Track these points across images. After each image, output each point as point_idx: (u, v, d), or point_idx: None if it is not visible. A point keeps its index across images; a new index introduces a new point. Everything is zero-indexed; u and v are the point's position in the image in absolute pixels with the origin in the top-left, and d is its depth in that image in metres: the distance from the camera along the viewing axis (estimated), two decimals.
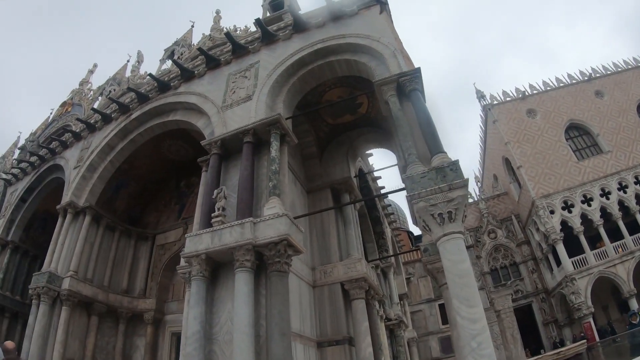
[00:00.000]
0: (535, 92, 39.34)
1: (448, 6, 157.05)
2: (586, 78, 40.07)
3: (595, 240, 31.60)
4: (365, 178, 18.36)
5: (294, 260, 9.86)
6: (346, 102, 13.07)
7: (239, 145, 10.39)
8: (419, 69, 9.41)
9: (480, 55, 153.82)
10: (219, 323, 8.47)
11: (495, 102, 39.00)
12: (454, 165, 7.53)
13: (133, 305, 15.43)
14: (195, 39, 17.76)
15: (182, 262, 9.37)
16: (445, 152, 7.98)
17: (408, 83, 9.20)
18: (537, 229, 33.64)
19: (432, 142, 8.26)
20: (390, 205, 23.68)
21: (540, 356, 10.30)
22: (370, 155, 18.85)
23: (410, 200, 7.45)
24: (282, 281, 8.28)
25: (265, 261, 8.41)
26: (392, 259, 21.80)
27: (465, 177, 7.35)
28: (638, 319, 14.32)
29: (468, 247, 26.65)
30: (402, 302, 23.92)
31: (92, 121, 15.86)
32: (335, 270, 12.17)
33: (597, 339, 24.76)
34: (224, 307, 8.58)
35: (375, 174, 19.96)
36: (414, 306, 31.02)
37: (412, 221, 8.19)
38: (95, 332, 13.93)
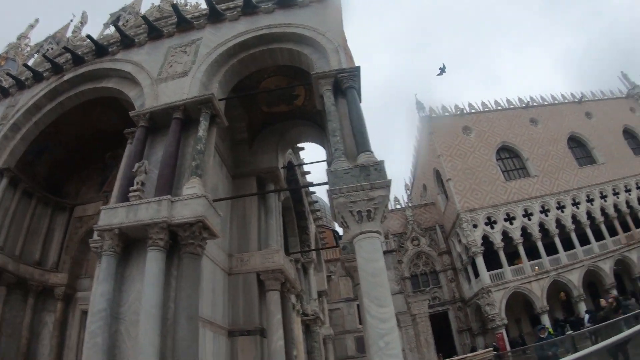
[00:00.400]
0: (473, 111, 40.98)
1: (407, 17, 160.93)
2: (524, 105, 42.28)
3: (513, 257, 33.21)
4: (294, 171, 18.21)
5: (211, 245, 9.64)
6: (283, 91, 12.92)
7: (168, 121, 9.97)
8: (358, 68, 9.41)
9: (428, 68, 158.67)
10: (127, 302, 8.03)
11: (433, 115, 40.16)
12: (379, 166, 7.58)
13: (44, 278, 14.59)
14: (145, 8, 17.06)
15: (96, 235, 8.90)
16: (372, 152, 8.00)
17: (346, 80, 9.18)
18: (459, 241, 34.98)
19: (360, 140, 8.26)
20: (317, 201, 23.69)
21: None
22: (302, 149, 18.70)
23: (330, 194, 7.42)
24: (194, 264, 8.01)
25: (179, 242, 8.09)
26: (314, 255, 21.77)
27: (389, 178, 7.41)
28: (546, 334, 15.32)
29: (390, 251, 27.39)
30: (321, 298, 23.94)
31: (22, 78, 14.82)
32: (252, 259, 11.95)
33: (508, 349, 25.97)
34: (133, 286, 8.14)
35: (306, 168, 19.88)
36: (333, 304, 31.24)
37: (332, 216, 8.19)
38: (3, 304, 13.10)
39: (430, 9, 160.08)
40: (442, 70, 34.46)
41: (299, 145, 17.60)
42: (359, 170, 7.55)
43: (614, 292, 28.20)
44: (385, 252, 35.65)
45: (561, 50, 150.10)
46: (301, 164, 19.38)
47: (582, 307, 29.24)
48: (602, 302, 16.04)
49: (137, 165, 9.08)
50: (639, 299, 13.58)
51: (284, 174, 15.43)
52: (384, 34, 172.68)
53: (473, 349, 29.13)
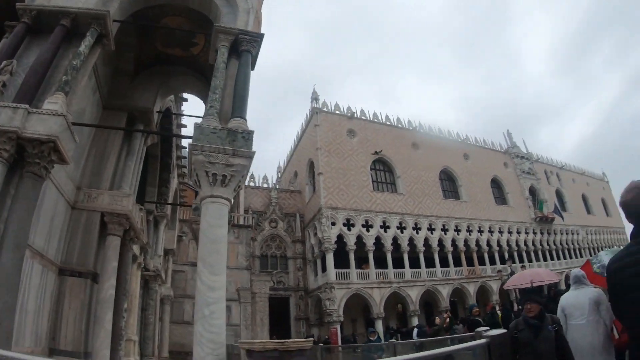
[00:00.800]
0: (363, 117, 42.25)
1: (331, 12, 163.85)
2: (411, 128, 44.69)
3: (362, 262, 34.84)
4: (171, 120, 17.23)
5: (60, 172, 8.96)
6: (183, 35, 12.18)
7: (54, 26, 8.85)
8: (261, 36, 9.20)
9: (336, 66, 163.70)
10: None
11: (324, 109, 40.67)
12: (248, 135, 7.44)
13: None
14: None
15: None
16: (246, 120, 7.86)
17: (245, 43, 8.92)
18: (315, 234, 35.90)
19: (238, 105, 8.07)
20: (186, 157, 22.89)
21: (266, 340, 10.88)
22: (185, 100, 17.99)
23: (191, 149, 7.13)
24: (34, 186, 7.22)
25: (25, 158, 7.20)
26: (169, 211, 21.00)
27: (254, 150, 7.32)
28: (376, 337, 16.28)
29: (247, 227, 27.31)
30: (167, 257, 23.29)
31: None
32: (100, 197, 11.04)
33: (340, 344, 27.24)
34: None
35: (185, 122, 18.85)
36: (179, 266, 30.57)
37: (187, 172, 7.98)
38: None
39: (355, 15, 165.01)
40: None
41: (184, 96, 16.89)
42: (227, 133, 7.35)
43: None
44: (241, 226, 35.66)
45: (462, 94, 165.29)
46: (179, 114, 18.47)
47: (415, 321, 31.52)
48: (437, 319, 17.36)
49: (4, 62, 7.94)
50: (465, 325, 14.98)
51: (158, 119, 14.55)
52: (303, 19, 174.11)
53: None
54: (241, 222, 36.10)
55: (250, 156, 7.28)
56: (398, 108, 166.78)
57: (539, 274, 15.62)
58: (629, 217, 2.75)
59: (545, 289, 16.37)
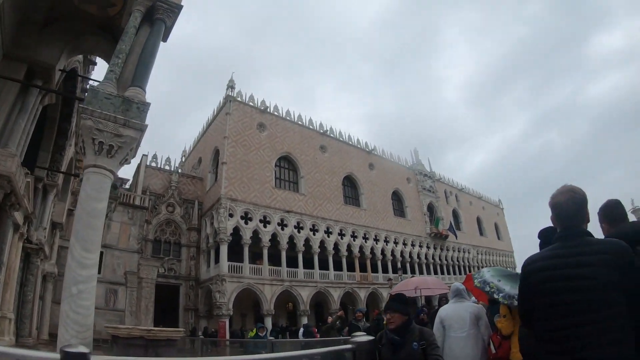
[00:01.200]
0: (276, 113, 42.16)
1: (262, 4, 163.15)
2: (322, 131, 45.36)
3: (256, 257, 34.71)
4: (75, 83, 15.91)
5: None
6: None
7: None
8: (180, 7, 8.78)
9: (259, 59, 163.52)
10: None
11: (238, 99, 39.97)
12: (143, 106, 7.03)
13: None
14: None
15: None
16: (145, 91, 7.43)
17: (162, 11, 8.45)
18: (212, 224, 35.11)
19: (140, 74, 7.57)
20: None
21: (132, 327, 10.43)
22: (95, 64, 16.85)
23: (82, 111, 6.59)
24: None
25: None
26: (61, 181, 19.54)
27: (146, 123, 6.96)
28: (265, 332, 16.08)
29: (143, 208, 26.09)
30: (54, 231, 21.83)
31: None
32: None
33: (228, 338, 26.83)
34: None
35: (90, 87, 17.47)
36: (67, 242, 28.03)
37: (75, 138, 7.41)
38: None
39: (286, 12, 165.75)
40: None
41: (95, 60, 15.71)
42: (122, 101, 6.87)
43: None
44: (136, 207, 34.28)
45: (376, 108, 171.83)
46: (86, 77, 16.82)
47: (305, 321, 31.77)
48: (330, 319, 17.48)
49: None
50: (347, 329, 15.16)
51: (60, 78, 13.43)
52: (231, 6, 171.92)
53: (205, 330, 29.60)
54: (137, 203, 34.20)
55: (142, 129, 6.87)
56: (312, 111, 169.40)
57: (426, 281, 15.40)
58: (557, 219, 2.71)
59: (436, 301, 16.61)
